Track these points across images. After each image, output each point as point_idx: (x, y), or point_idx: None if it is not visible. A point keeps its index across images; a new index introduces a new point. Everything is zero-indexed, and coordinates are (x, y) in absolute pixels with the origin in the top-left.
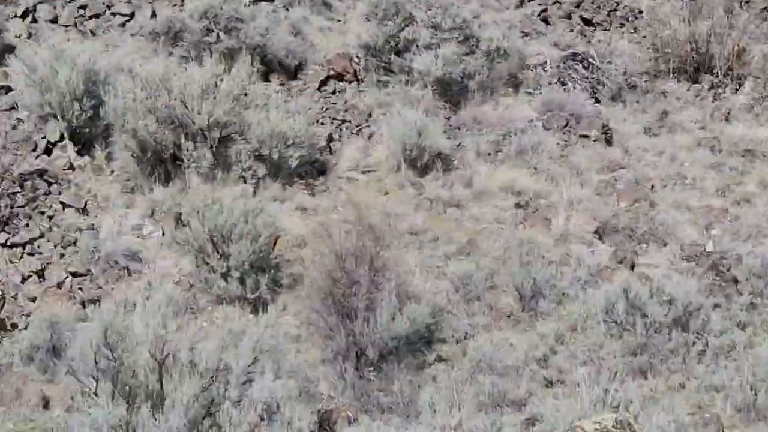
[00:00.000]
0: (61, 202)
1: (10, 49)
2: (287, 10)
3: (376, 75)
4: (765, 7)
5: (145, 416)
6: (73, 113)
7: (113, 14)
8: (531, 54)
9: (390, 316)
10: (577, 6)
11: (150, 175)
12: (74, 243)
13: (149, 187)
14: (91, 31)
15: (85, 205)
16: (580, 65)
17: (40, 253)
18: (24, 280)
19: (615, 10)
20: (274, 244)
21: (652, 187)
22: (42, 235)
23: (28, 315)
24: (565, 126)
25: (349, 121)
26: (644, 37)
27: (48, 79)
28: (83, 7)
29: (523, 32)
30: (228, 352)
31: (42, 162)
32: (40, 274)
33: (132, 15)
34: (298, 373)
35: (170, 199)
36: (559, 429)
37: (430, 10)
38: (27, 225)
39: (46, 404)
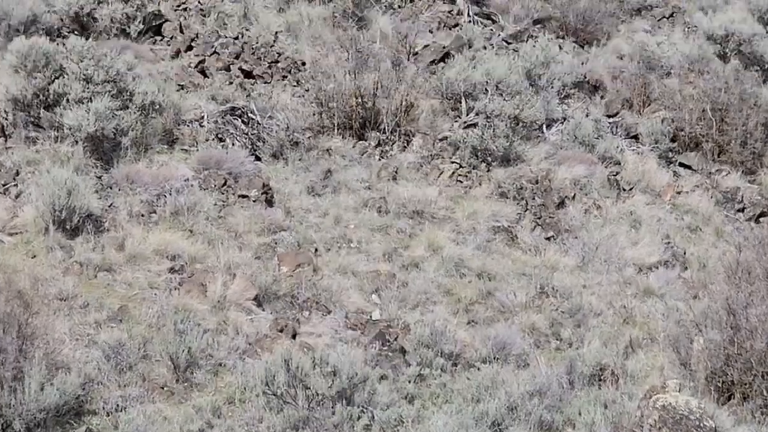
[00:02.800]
0: None
1: None
2: None
3: (24, 131)
4: (433, 60)
5: None
6: None
7: None
8: (187, 108)
9: (39, 386)
10: (237, 57)
11: None
12: None
13: None
14: None
15: None
16: (240, 120)
17: None
18: None
19: (276, 61)
20: None
21: (316, 250)
22: None
23: None
24: (224, 185)
25: None
26: (307, 90)
27: None
28: None
29: (179, 85)
30: None
31: None
32: None
33: None
34: None
35: None
36: None
37: (81, 61)
38: None
39: None
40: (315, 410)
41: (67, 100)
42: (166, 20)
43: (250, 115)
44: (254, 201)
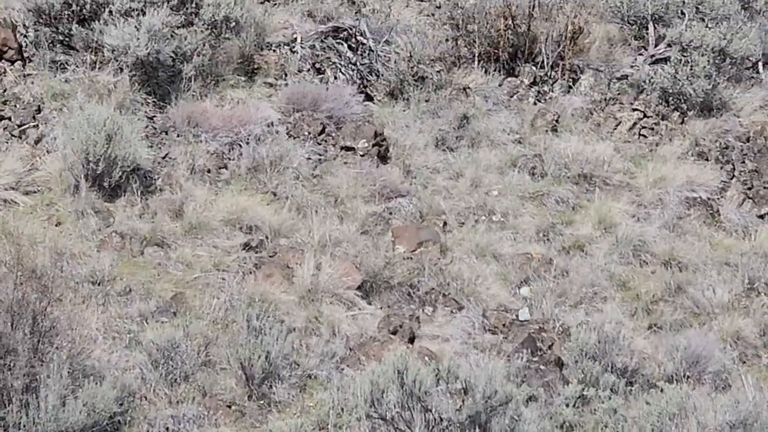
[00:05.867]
0: None
1: None
2: None
3: (50, 53)
4: None
5: None
6: None
7: None
8: (274, 28)
9: (59, 400)
10: None
11: None
12: None
13: None
14: None
15: None
16: (346, 45)
17: None
18: None
19: None
20: None
21: (445, 224)
22: None
23: None
24: (321, 133)
25: (9, 118)
26: (439, 6)
27: None
28: None
29: None
30: None
31: None
32: None
33: None
34: None
35: None
36: None
37: None
38: None
39: None
40: None
41: (110, 12)
42: None
43: (359, 38)
44: (362, 155)
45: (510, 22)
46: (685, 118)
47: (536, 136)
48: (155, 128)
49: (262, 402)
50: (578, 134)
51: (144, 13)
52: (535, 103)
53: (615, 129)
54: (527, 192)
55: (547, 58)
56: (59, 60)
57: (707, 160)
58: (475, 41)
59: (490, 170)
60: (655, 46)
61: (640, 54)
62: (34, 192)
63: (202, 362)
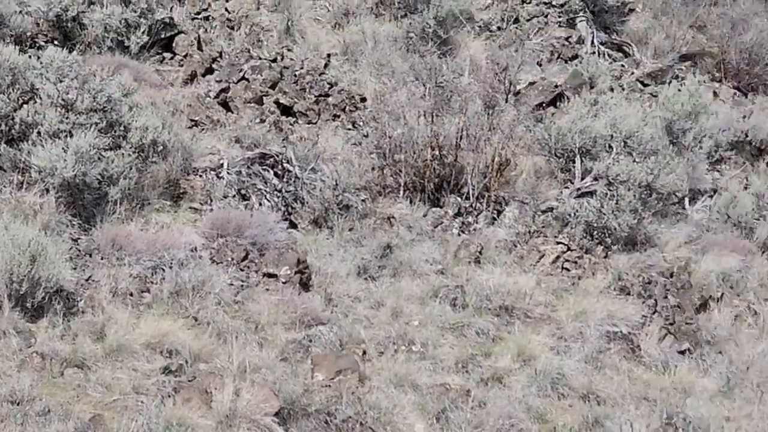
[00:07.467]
0: None
1: None
2: None
3: None
4: (540, 103)
5: None
6: None
7: None
8: (201, 152)
9: None
10: (273, 86)
11: None
12: None
13: None
14: None
15: None
16: (272, 172)
17: None
18: None
19: (326, 95)
20: None
21: (364, 353)
22: None
23: None
24: (244, 259)
25: None
26: (366, 136)
27: None
28: None
29: (192, 120)
30: None
31: None
32: None
33: None
34: None
35: None
36: None
37: (61, 81)
38: None
39: None
40: None
41: (39, 133)
42: (180, 32)
43: (285, 165)
44: (284, 282)
45: (437, 153)
46: (609, 252)
47: (459, 267)
48: (79, 250)
49: None
50: (501, 266)
51: (71, 135)
52: (459, 234)
53: (538, 261)
54: (448, 323)
55: (473, 189)
56: None
57: (629, 294)
58: (401, 171)
59: (412, 300)
60: (582, 179)
61: (567, 187)
62: None
63: None
